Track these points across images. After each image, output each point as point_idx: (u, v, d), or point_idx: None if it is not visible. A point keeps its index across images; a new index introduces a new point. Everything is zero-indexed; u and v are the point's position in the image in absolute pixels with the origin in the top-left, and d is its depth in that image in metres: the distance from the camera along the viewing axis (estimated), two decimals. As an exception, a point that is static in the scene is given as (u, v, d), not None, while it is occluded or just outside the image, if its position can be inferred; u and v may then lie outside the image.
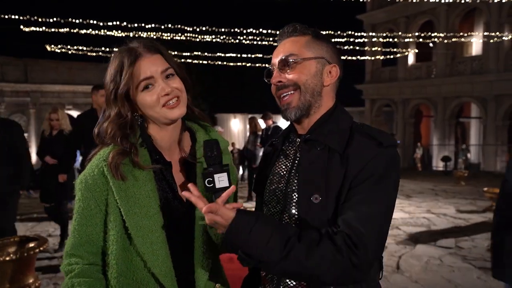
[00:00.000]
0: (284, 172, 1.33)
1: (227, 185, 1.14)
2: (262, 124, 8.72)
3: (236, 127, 20.81)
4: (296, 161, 1.30)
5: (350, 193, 1.17)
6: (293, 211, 1.26)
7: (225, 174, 1.14)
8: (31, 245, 3.34)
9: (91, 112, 5.14)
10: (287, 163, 1.34)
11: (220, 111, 21.38)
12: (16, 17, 10.78)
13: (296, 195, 1.25)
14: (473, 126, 20.65)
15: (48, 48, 14.18)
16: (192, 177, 1.30)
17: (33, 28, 11.99)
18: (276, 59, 1.31)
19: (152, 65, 1.20)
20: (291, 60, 1.28)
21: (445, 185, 11.85)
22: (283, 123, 16.36)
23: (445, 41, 17.15)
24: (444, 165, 16.51)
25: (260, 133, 8.71)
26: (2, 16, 10.79)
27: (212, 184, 1.13)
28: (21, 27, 11.77)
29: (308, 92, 1.28)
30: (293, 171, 1.29)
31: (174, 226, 1.23)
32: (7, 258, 3.05)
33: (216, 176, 1.14)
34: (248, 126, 9.40)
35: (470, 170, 13.59)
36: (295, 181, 1.27)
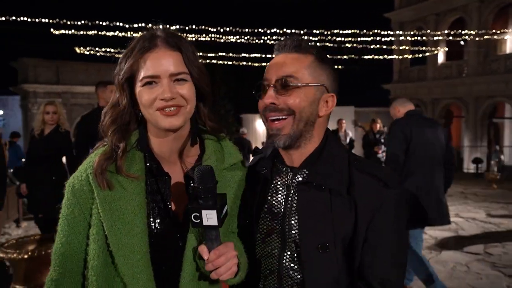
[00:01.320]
0: (278, 210, 1.22)
1: (216, 224, 1.00)
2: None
3: (261, 128, 20.74)
4: (290, 199, 1.21)
5: (367, 247, 1.14)
6: (295, 256, 1.17)
7: (214, 212, 0.99)
8: (50, 243, 3.40)
9: (98, 111, 4.30)
10: (279, 199, 1.23)
11: (245, 112, 21.39)
12: (47, 20, 11.11)
13: (296, 239, 1.17)
14: (507, 127, 19.84)
15: (78, 50, 14.56)
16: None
17: (63, 31, 12.34)
18: (272, 76, 1.18)
19: (164, 63, 1.04)
20: (291, 84, 1.15)
21: (475, 188, 11.41)
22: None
23: (477, 38, 16.54)
24: (475, 167, 15.92)
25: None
26: (34, 19, 11.16)
27: (199, 220, 1.00)
28: (52, 30, 12.14)
29: (302, 121, 1.17)
30: (287, 210, 1.20)
31: (161, 248, 1.08)
32: (26, 256, 3.11)
33: (204, 212, 1.00)
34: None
35: (503, 172, 13.02)
36: (293, 224, 1.18)
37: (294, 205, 1.19)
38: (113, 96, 1.13)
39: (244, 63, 16.69)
